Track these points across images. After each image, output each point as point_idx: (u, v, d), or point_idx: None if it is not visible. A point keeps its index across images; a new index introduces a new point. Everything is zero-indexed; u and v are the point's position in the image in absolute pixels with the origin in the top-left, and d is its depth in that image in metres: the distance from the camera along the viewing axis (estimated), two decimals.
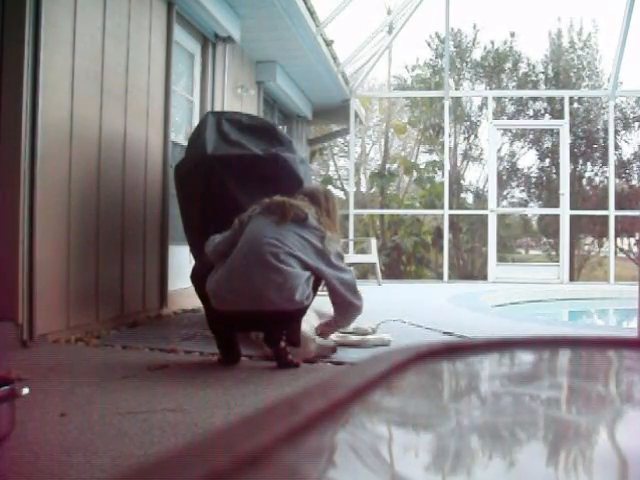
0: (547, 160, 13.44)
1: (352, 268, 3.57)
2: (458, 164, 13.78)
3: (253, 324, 3.25)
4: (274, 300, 3.07)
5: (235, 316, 3.16)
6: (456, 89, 13.22)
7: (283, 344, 3.16)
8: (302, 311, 3.21)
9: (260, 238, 3.18)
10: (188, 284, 5.74)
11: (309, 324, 3.54)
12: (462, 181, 13.74)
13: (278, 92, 8.62)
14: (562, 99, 10.96)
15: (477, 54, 13.70)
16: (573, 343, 0.86)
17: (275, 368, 3.16)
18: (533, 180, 13.73)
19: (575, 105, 12.69)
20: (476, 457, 0.51)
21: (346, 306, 3.33)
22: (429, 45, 13.82)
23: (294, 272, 3.11)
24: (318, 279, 3.30)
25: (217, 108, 6.25)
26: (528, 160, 13.79)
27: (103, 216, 4.34)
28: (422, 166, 13.59)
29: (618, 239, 11.82)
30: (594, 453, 0.53)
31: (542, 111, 13.33)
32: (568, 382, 0.76)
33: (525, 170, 13.71)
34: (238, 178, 4.16)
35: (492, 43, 13.63)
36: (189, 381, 2.92)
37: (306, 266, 3.18)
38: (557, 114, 12.11)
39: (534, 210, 13.86)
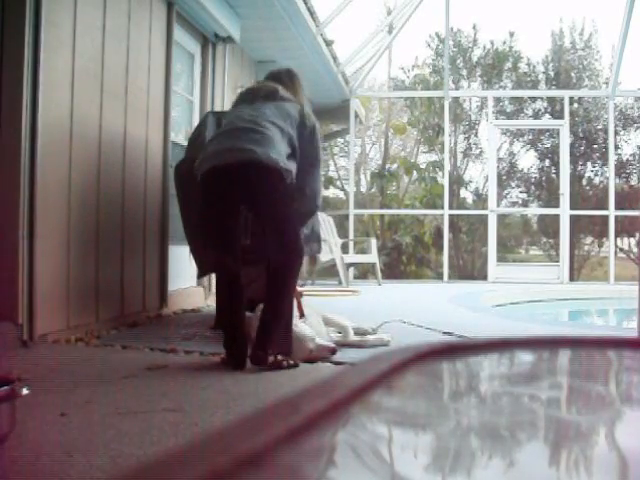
0: (547, 160, 13.45)
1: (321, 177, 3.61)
2: (458, 164, 13.78)
3: (240, 188, 3.18)
4: (255, 150, 3.12)
5: (221, 178, 3.18)
6: (456, 89, 13.23)
7: (271, 359, 3.11)
8: (282, 176, 3.19)
9: (238, 120, 3.31)
10: (188, 284, 5.76)
11: (309, 325, 3.54)
12: (462, 181, 13.75)
13: None
14: (562, 99, 10.97)
15: (477, 54, 13.71)
16: (573, 343, 0.86)
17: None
18: (533, 180, 13.73)
19: (575, 105, 12.69)
20: (476, 457, 0.51)
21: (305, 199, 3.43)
22: (429, 45, 13.83)
23: (271, 135, 3.19)
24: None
25: (217, 108, 6.25)
26: (528, 160, 13.81)
27: (103, 216, 4.34)
28: (422, 166, 13.60)
29: (618, 239, 11.81)
30: (594, 453, 0.53)
31: (542, 111, 13.34)
32: (568, 382, 0.76)
33: (525, 170, 13.72)
34: None
35: (492, 43, 13.64)
36: (189, 381, 2.92)
37: (283, 132, 3.25)
38: (557, 114, 12.11)
39: (534, 210, 13.86)
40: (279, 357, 3.14)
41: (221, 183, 3.21)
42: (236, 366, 3.17)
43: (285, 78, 3.53)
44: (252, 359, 3.12)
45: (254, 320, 3.89)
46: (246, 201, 3.24)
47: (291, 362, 3.16)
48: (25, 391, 1.89)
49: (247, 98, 3.42)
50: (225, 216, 3.25)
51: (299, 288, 3.99)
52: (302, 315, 3.71)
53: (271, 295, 3.25)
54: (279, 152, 3.18)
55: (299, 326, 3.39)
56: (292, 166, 3.28)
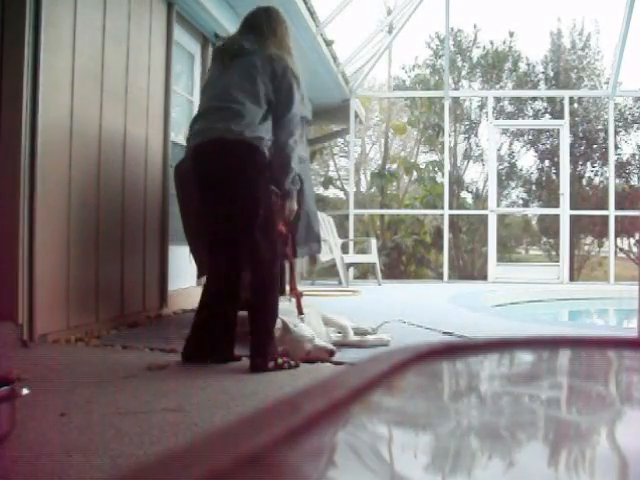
0: (547, 160, 13.45)
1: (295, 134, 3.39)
2: (458, 164, 13.78)
3: (212, 167, 3.23)
4: (218, 127, 3.16)
5: (198, 158, 3.26)
6: (455, 89, 13.23)
7: (272, 364, 3.11)
8: (251, 147, 3.15)
9: (210, 99, 3.32)
10: (188, 284, 5.75)
11: (309, 325, 3.54)
12: (462, 182, 13.75)
13: None
14: (562, 99, 10.97)
15: (477, 54, 13.71)
16: (573, 343, 0.86)
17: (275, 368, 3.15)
18: (533, 180, 13.74)
19: (575, 105, 12.69)
20: (476, 457, 0.51)
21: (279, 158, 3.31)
22: (429, 45, 13.83)
23: (239, 107, 3.17)
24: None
25: None
26: (528, 160, 13.82)
27: (103, 216, 4.34)
28: (422, 166, 13.60)
29: (618, 239, 11.82)
30: (594, 453, 0.53)
31: (542, 111, 13.34)
32: (568, 382, 0.76)
33: (525, 170, 13.72)
34: None
35: (492, 43, 13.65)
36: (189, 381, 2.92)
37: (254, 94, 3.20)
38: (557, 114, 12.12)
39: (534, 210, 13.86)
40: (279, 360, 3.13)
41: (198, 164, 3.30)
42: (185, 357, 3.26)
43: (262, 20, 3.40)
44: (252, 367, 3.12)
45: None
46: (221, 180, 3.25)
47: (292, 363, 3.15)
48: (25, 391, 1.89)
49: (217, 61, 3.40)
50: (210, 200, 3.29)
51: (299, 288, 3.99)
52: (301, 312, 3.70)
53: (255, 300, 3.25)
54: (248, 122, 3.14)
55: (299, 326, 3.39)
56: (264, 129, 3.21)
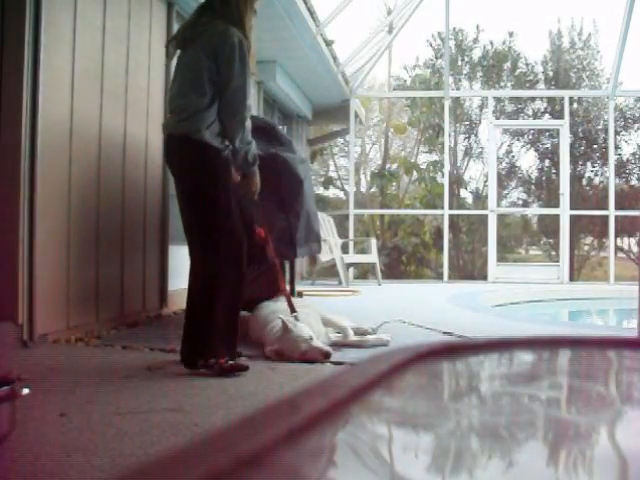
0: (547, 160, 13.45)
1: (249, 106, 3.27)
2: (458, 164, 13.78)
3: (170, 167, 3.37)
4: (170, 124, 3.27)
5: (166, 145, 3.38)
6: (456, 89, 13.23)
7: (213, 361, 2.99)
8: (189, 138, 3.13)
9: (170, 101, 3.38)
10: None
11: (308, 325, 3.54)
12: (462, 181, 13.75)
13: (278, 92, 8.62)
14: (562, 99, 10.97)
15: (477, 54, 13.71)
16: (573, 343, 0.86)
17: (275, 368, 3.15)
18: (533, 180, 13.74)
19: (575, 105, 12.69)
20: (476, 457, 0.51)
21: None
22: (431, 45, 13.82)
23: (186, 101, 3.17)
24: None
25: None
26: (528, 160, 13.82)
27: (103, 216, 4.34)
28: (422, 166, 13.59)
29: (618, 239, 11.81)
30: (594, 453, 0.53)
31: (542, 111, 13.34)
32: (568, 382, 0.76)
33: (525, 170, 13.73)
34: None
35: (491, 43, 13.64)
36: (189, 381, 2.92)
37: (197, 83, 3.16)
38: (557, 114, 12.11)
39: (534, 210, 13.86)
40: (211, 361, 3.00)
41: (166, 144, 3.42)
42: (181, 359, 3.15)
43: None
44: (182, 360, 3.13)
45: (252, 320, 3.90)
46: (174, 176, 3.31)
47: (230, 363, 3.01)
48: (25, 391, 1.89)
49: (172, 52, 3.41)
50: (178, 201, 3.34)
51: (300, 288, 3.99)
52: (293, 310, 3.64)
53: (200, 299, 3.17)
54: (190, 114, 3.13)
55: (298, 326, 3.39)
56: (212, 113, 3.16)
